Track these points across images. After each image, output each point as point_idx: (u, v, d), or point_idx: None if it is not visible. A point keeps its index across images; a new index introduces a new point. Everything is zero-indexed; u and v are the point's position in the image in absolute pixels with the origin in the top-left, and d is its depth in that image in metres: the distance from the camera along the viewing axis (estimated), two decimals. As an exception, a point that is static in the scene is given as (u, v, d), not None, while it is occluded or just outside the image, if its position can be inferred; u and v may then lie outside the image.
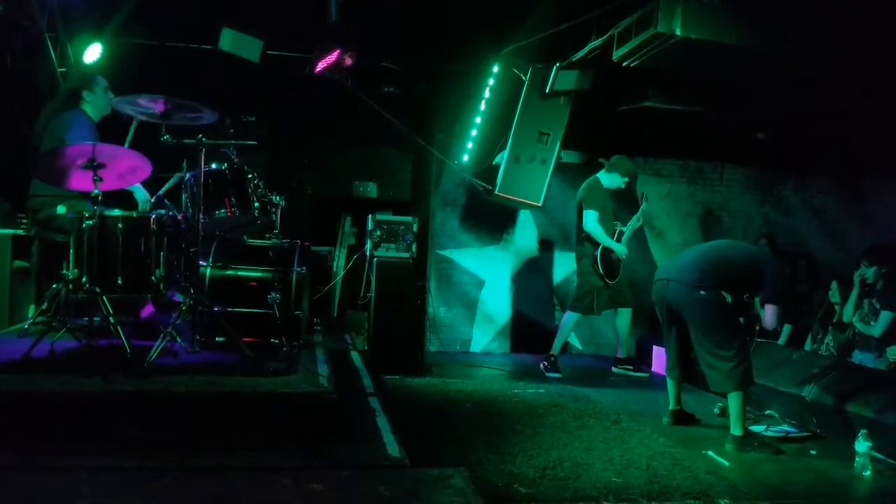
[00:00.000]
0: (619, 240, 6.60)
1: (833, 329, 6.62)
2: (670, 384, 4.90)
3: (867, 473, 3.95)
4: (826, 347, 6.63)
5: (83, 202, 4.50)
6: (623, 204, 7.15)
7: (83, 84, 5.08)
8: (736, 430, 4.36)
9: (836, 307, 6.63)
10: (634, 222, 6.74)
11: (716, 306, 4.43)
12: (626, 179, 6.66)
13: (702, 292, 4.43)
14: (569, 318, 6.67)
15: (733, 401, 4.38)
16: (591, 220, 6.47)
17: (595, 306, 6.57)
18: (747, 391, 4.42)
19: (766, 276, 4.50)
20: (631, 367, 6.74)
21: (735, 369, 4.35)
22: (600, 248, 6.48)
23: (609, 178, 6.67)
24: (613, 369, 6.79)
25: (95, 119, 5.00)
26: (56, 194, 4.68)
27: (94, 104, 5.01)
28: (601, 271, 6.48)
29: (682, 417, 4.89)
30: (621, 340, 6.80)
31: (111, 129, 5.05)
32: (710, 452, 4.23)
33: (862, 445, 3.99)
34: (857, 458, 4.00)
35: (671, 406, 4.91)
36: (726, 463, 4.08)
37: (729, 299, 4.48)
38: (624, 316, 6.71)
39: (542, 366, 6.54)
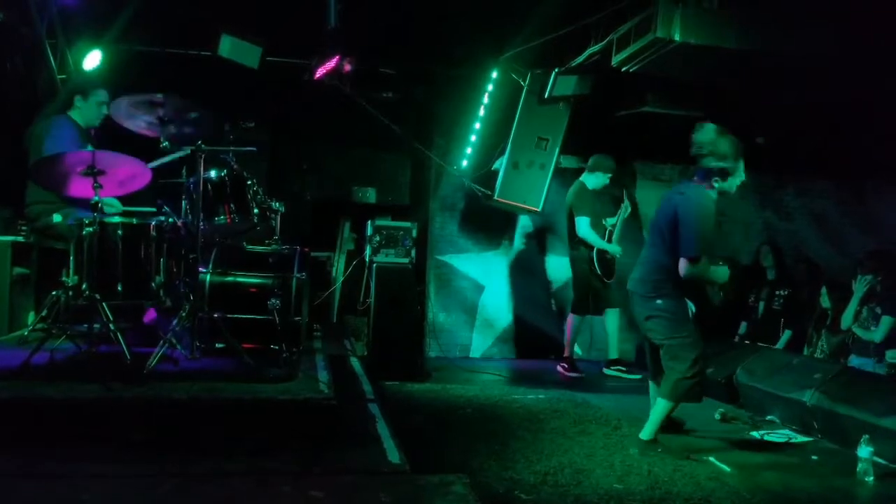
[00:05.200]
0: (610, 239, 6.72)
1: (826, 332, 6.63)
2: (654, 390, 4.68)
3: (869, 479, 3.93)
4: (820, 350, 6.64)
5: (81, 209, 4.49)
6: (607, 204, 7.20)
7: (78, 90, 5.13)
8: (645, 435, 4.26)
9: (829, 311, 6.64)
10: (621, 214, 6.81)
11: (673, 315, 4.23)
12: (609, 175, 6.80)
13: (658, 301, 4.26)
14: (572, 322, 6.79)
15: (661, 407, 4.24)
16: (585, 226, 6.60)
17: (593, 307, 6.72)
18: (677, 405, 4.28)
19: (681, 224, 4.14)
20: (624, 369, 6.80)
21: (682, 381, 4.18)
22: (595, 249, 6.62)
23: (593, 179, 6.78)
24: (604, 370, 6.85)
25: (83, 126, 5.00)
26: (51, 201, 4.68)
27: (83, 112, 5.03)
28: (598, 271, 6.62)
29: (666, 425, 4.77)
30: (611, 341, 6.85)
31: (115, 134, 5.06)
32: (712, 458, 4.21)
33: (864, 451, 3.98)
34: (859, 464, 3.99)
35: None
36: (728, 469, 4.06)
37: (693, 308, 4.31)
38: (612, 316, 6.80)
39: (560, 367, 6.73)
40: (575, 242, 6.72)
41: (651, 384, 4.71)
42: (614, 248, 6.66)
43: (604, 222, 6.77)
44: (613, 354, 6.86)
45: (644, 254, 4.45)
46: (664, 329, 4.26)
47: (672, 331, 4.23)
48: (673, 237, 4.18)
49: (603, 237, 6.69)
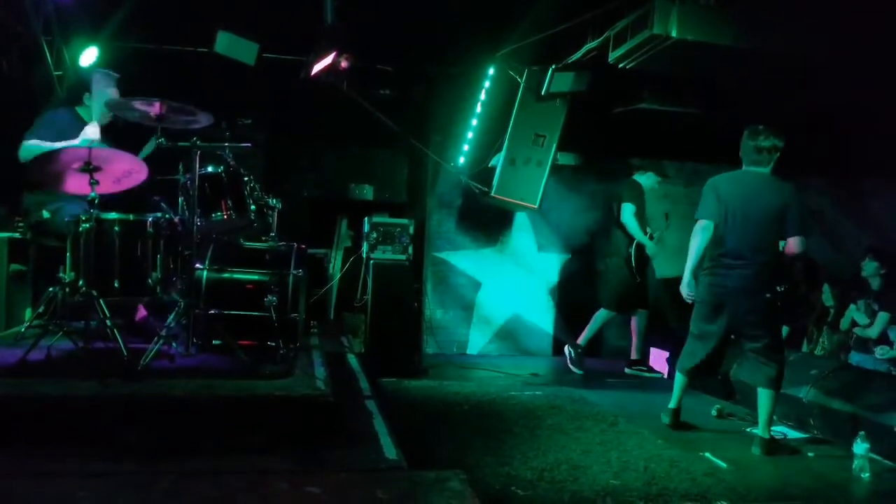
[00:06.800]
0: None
1: (827, 329, 6.65)
2: (684, 382, 4.77)
3: (865, 475, 3.95)
4: (821, 347, 6.65)
5: (76, 204, 4.48)
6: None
7: (87, 87, 5.12)
8: (766, 433, 4.39)
9: (831, 309, 6.64)
10: (660, 234, 6.80)
11: (776, 306, 4.50)
12: (659, 179, 6.92)
13: (768, 294, 4.45)
14: (602, 315, 6.76)
15: (770, 399, 4.40)
16: (629, 213, 6.59)
17: (627, 304, 6.70)
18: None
19: (790, 210, 4.48)
20: (644, 368, 6.78)
21: (781, 371, 4.41)
22: (634, 245, 6.58)
23: (644, 179, 6.86)
24: (626, 370, 6.82)
25: (88, 120, 5.00)
26: (44, 194, 4.68)
27: (89, 110, 5.05)
28: (634, 268, 6.59)
29: (678, 423, 4.80)
30: (637, 341, 6.83)
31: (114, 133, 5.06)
32: (708, 454, 4.22)
33: (860, 447, 3.99)
34: (855, 460, 4.00)
35: (673, 405, 4.79)
36: (724, 465, 4.07)
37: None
38: (642, 317, 6.79)
39: (567, 352, 6.73)
40: (611, 235, 6.75)
41: (680, 376, 4.76)
42: (652, 246, 6.64)
43: (648, 229, 6.73)
44: (637, 354, 6.85)
45: (740, 250, 4.50)
46: (769, 320, 4.47)
47: (776, 321, 4.53)
48: (778, 228, 4.47)
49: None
